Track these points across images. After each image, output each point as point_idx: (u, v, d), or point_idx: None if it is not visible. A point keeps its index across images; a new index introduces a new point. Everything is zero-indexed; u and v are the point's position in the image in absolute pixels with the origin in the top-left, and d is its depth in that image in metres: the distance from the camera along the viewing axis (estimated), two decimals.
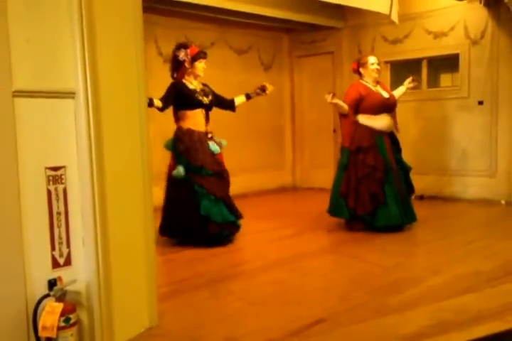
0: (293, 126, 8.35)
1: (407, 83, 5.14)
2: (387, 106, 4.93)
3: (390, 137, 4.98)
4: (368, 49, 7.26)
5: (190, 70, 4.58)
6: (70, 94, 2.25)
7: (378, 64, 5.00)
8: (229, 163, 7.29)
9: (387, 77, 6.96)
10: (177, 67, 4.60)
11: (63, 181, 2.27)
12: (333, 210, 5.03)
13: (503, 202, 6.16)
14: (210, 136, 4.66)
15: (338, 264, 3.92)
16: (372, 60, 4.97)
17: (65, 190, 2.27)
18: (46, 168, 2.22)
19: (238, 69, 7.39)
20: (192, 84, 4.62)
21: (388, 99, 4.95)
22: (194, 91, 4.59)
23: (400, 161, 4.98)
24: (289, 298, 3.13)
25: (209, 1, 5.96)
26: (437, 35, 6.57)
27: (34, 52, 2.16)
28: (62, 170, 2.27)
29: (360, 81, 5.00)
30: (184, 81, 4.60)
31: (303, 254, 4.21)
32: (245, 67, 7.52)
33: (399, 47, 6.83)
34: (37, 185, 2.20)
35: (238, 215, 4.64)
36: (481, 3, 6.15)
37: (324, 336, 2.57)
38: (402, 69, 6.84)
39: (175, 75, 4.64)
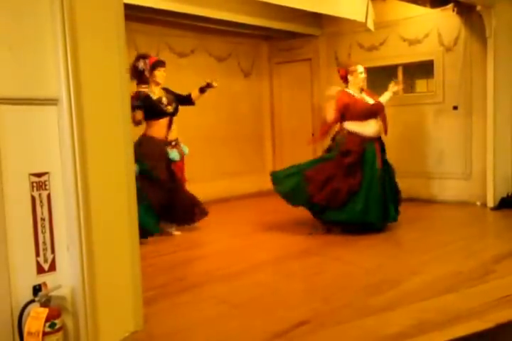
0: (272, 131, 8.43)
1: (391, 87, 5.16)
2: (373, 112, 5.02)
3: (379, 141, 5.08)
4: (345, 56, 7.38)
5: (150, 79, 4.83)
6: (53, 101, 2.26)
7: (365, 73, 5.15)
8: (210, 168, 7.37)
9: None
10: (138, 76, 4.81)
11: (47, 187, 2.27)
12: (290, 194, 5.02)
13: (478, 203, 6.27)
14: (173, 143, 4.93)
15: (320, 266, 3.95)
16: (360, 68, 5.09)
17: (49, 196, 2.28)
18: (30, 174, 2.22)
19: (218, 75, 7.39)
20: (154, 93, 4.85)
21: (373, 105, 5.04)
22: (158, 101, 4.82)
23: (386, 162, 5.09)
24: (272, 301, 3.16)
25: (189, 9, 6.00)
26: (412, 42, 6.71)
27: (16, 59, 2.17)
28: (46, 176, 2.27)
29: (346, 89, 5.09)
30: (146, 91, 4.79)
31: (285, 257, 4.25)
32: (225, 73, 7.57)
33: (375, 54, 6.95)
34: (21, 191, 2.20)
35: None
36: (453, 11, 6.30)
37: (307, 337, 2.60)
38: (378, 76, 6.95)
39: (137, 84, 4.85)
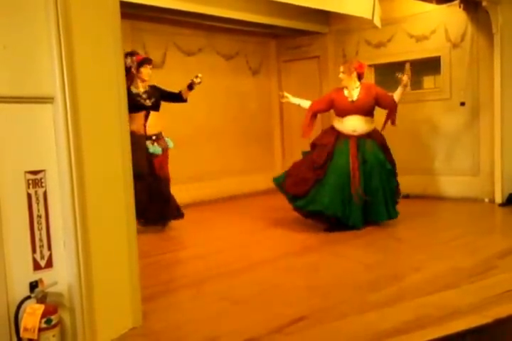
0: (281, 129, 8.42)
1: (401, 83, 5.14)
2: (351, 109, 5.08)
3: (368, 138, 5.08)
4: (353, 53, 7.35)
5: (136, 75, 5.03)
6: (49, 99, 2.29)
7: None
8: (219, 166, 7.41)
9: (371, 79, 7.04)
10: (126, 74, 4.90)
11: (43, 185, 2.30)
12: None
13: (486, 200, 6.22)
14: (154, 137, 5.04)
15: (320, 263, 3.95)
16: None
17: (45, 194, 2.31)
18: (26, 172, 2.26)
19: (226, 74, 7.47)
20: (137, 88, 5.05)
21: (353, 101, 5.09)
22: (137, 95, 5.00)
23: (380, 162, 5.04)
24: (272, 297, 3.17)
25: (197, 8, 6.02)
26: (419, 39, 6.67)
27: (11, 58, 2.20)
28: (42, 173, 2.30)
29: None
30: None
31: (286, 254, 4.25)
32: (233, 72, 7.59)
33: (382, 50, 6.92)
34: (17, 189, 2.23)
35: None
36: (460, 7, 6.25)
37: (305, 333, 2.61)
38: (385, 72, 6.93)
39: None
